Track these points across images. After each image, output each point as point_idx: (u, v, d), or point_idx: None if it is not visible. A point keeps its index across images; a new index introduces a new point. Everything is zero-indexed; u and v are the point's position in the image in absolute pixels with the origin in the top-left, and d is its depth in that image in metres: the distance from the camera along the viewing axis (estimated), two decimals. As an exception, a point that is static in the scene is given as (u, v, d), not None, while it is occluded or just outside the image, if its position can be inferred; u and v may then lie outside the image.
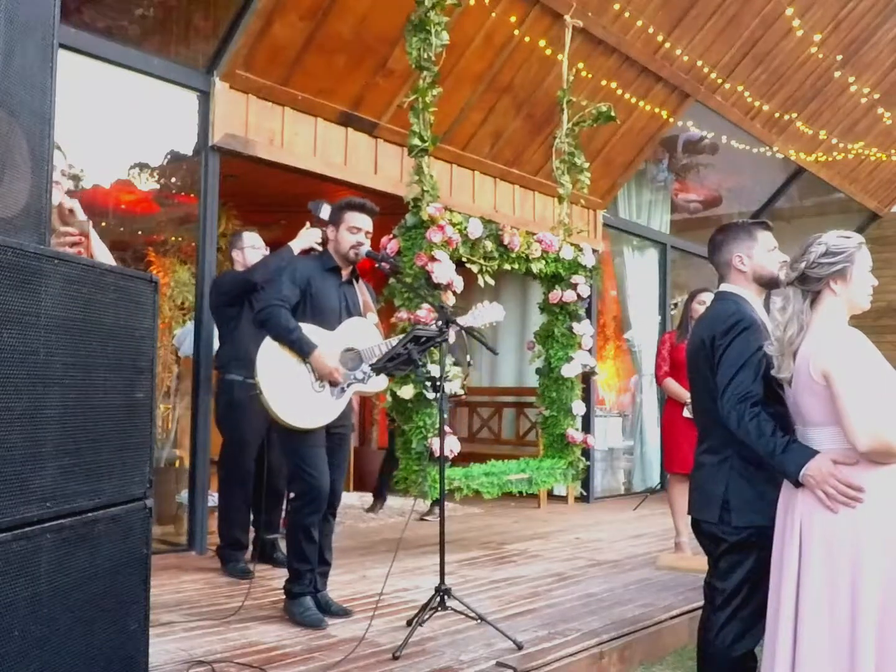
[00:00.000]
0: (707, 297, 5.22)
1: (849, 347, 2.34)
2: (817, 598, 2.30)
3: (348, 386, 3.83)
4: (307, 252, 4.54)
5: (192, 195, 5.71)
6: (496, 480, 5.61)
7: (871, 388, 2.26)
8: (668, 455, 5.47)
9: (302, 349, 3.73)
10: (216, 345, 5.33)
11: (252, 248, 4.87)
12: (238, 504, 4.75)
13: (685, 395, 5.10)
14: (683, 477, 5.29)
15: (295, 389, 3.73)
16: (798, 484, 2.38)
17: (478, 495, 5.60)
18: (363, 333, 3.91)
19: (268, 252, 4.92)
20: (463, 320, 4.06)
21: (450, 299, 5.20)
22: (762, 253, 2.75)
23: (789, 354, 2.42)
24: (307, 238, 4.64)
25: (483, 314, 4.13)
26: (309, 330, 3.77)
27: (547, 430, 6.40)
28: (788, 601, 2.35)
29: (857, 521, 2.28)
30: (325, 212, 4.25)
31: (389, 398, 5.13)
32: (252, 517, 4.86)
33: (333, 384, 3.78)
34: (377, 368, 3.77)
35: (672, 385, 5.26)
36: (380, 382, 3.98)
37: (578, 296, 6.29)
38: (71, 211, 2.70)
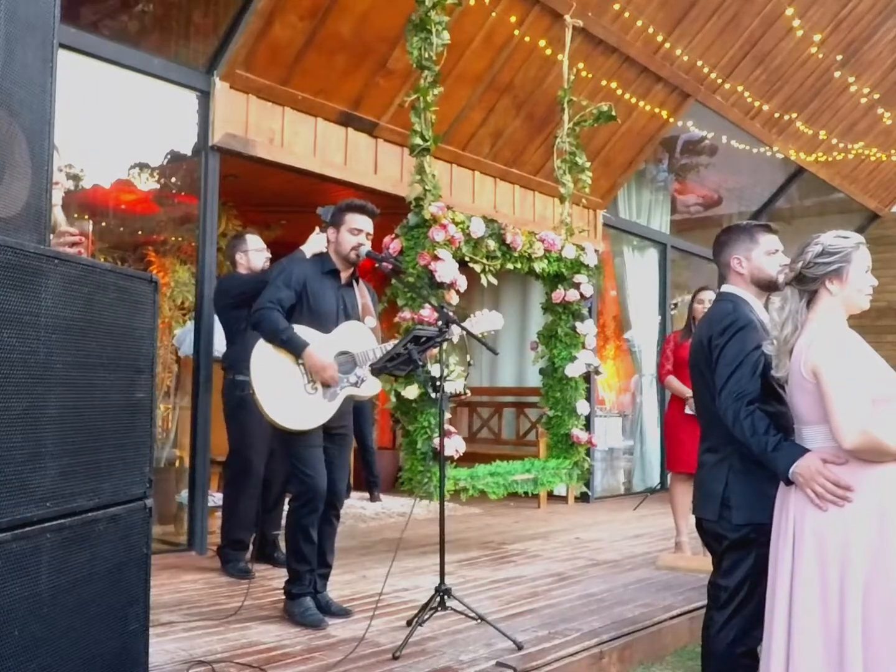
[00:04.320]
0: (706, 296, 5.24)
1: (837, 346, 2.36)
2: (809, 595, 2.32)
3: (341, 389, 3.82)
4: (318, 256, 4.54)
5: (192, 195, 5.70)
6: (501, 481, 5.60)
7: (857, 387, 2.28)
8: (671, 454, 5.47)
9: (293, 348, 3.73)
10: (216, 345, 5.34)
11: (256, 251, 4.91)
12: (244, 504, 4.75)
13: (686, 391, 5.12)
14: (685, 476, 5.31)
15: (287, 391, 3.73)
16: (789, 482, 2.41)
17: (481, 495, 5.60)
18: (359, 337, 3.90)
19: (269, 254, 4.95)
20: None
21: (453, 299, 5.20)
22: (761, 256, 2.77)
23: (785, 353, 2.44)
24: (318, 243, 4.61)
25: (481, 322, 4.11)
26: (304, 333, 3.77)
27: (551, 430, 6.38)
28: (783, 598, 2.37)
29: (847, 519, 2.30)
30: None
31: (393, 398, 5.12)
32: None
33: (328, 383, 3.77)
34: (377, 368, 3.76)
35: (674, 382, 5.29)
36: (373, 386, 3.97)
37: (581, 295, 6.29)
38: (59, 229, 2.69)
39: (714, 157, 9.64)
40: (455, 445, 5.16)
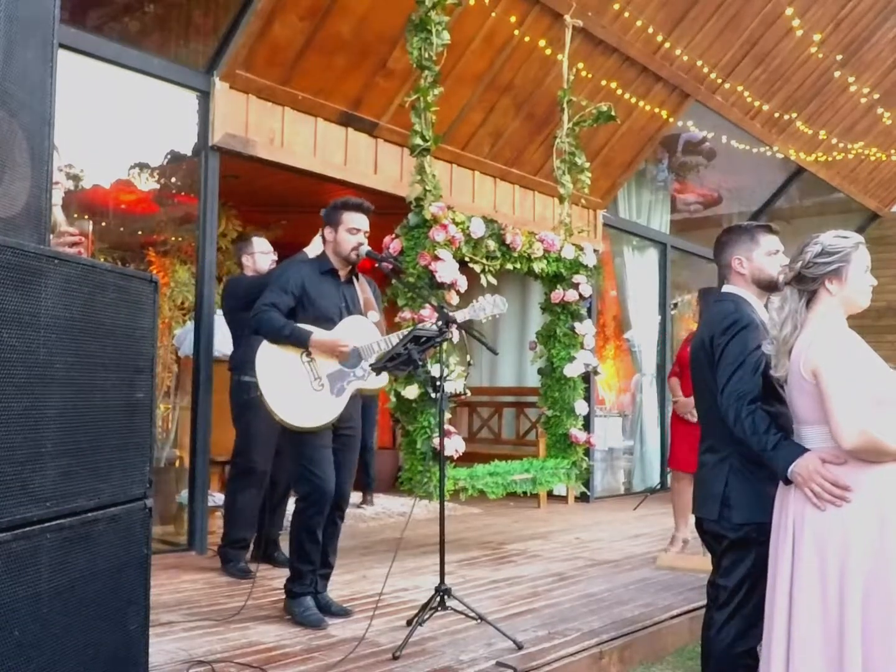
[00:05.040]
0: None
1: (837, 347, 2.36)
2: (809, 595, 2.32)
3: (348, 383, 3.82)
4: (316, 257, 4.54)
5: (192, 195, 5.71)
6: (500, 480, 5.61)
7: (856, 388, 2.28)
8: (673, 451, 5.54)
9: (298, 339, 3.74)
10: (218, 346, 5.35)
11: (262, 254, 4.94)
12: (246, 503, 4.75)
13: (676, 395, 5.27)
14: (681, 474, 5.34)
15: (294, 389, 3.73)
16: (788, 481, 2.41)
17: (481, 495, 5.60)
18: (362, 330, 3.90)
19: (275, 256, 4.97)
20: (463, 313, 4.06)
21: (453, 299, 5.20)
22: (762, 256, 2.78)
23: (784, 353, 2.44)
24: (320, 246, 4.62)
25: (484, 307, 4.11)
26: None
27: (550, 430, 6.39)
28: (782, 598, 2.37)
29: (845, 519, 2.30)
30: None
31: (393, 398, 5.12)
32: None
33: (345, 358, 3.76)
34: (377, 368, 3.76)
35: (670, 383, 5.46)
36: (380, 379, 3.96)
37: (580, 295, 6.30)
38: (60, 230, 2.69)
39: (712, 160, 9.65)
40: (455, 445, 5.16)
